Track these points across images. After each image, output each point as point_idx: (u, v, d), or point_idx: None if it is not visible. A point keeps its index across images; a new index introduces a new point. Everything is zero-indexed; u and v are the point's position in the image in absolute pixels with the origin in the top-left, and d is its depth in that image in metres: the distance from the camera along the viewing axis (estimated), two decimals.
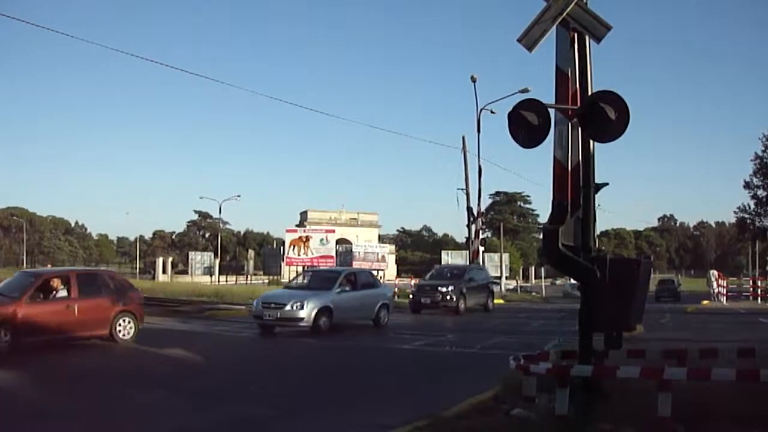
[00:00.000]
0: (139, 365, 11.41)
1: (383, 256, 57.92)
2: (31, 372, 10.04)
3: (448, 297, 23.47)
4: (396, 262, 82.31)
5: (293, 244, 46.21)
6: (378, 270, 53.62)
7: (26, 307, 11.52)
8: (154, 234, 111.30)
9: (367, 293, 17.51)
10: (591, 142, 7.16)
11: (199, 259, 73.99)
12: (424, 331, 17.25)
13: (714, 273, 41.14)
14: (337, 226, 67.86)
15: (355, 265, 54.19)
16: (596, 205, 7.49)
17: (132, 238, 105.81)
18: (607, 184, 7.53)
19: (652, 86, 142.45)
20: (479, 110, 35.97)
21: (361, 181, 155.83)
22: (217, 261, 69.82)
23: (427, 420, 6.58)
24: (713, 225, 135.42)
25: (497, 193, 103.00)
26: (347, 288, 16.93)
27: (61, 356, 11.52)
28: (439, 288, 23.86)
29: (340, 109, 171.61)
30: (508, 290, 50.66)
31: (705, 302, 35.29)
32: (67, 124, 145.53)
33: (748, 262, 73.75)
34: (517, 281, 61.51)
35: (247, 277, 62.40)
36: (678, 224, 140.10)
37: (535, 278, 70.28)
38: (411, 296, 25.54)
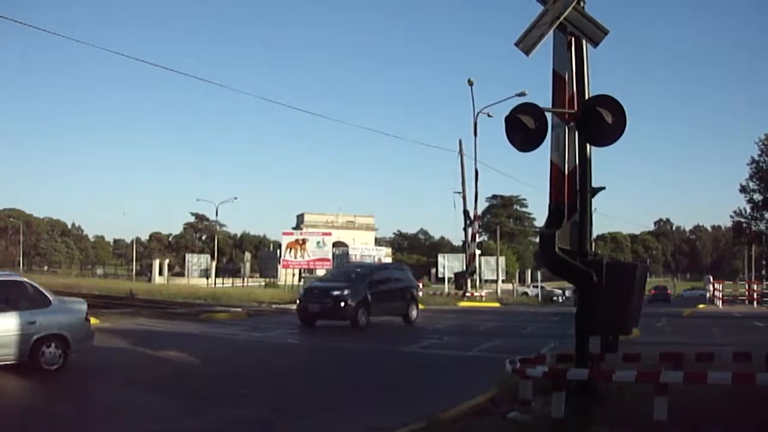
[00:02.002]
0: (136, 367, 11.37)
1: (380, 259, 57.90)
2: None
3: (342, 304, 17.60)
4: None
5: (290, 246, 46.11)
6: None
7: None
8: (150, 236, 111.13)
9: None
10: (588, 146, 7.19)
11: (196, 261, 73.84)
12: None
13: (709, 278, 41.43)
14: (334, 228, 67.72)
15: None
16: (593, 208, 7.53)
17: (129, 240, 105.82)
18: (603, 188, 7.56)
19: (649, 90, 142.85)
20: (476, 114, 36.18)
21: (358, 184, 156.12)
22: (214, 263, 69.68)
23: (424, 423, 6.58)
24: (709, 229, 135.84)
25: (494, 197, 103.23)
26: None
27: None
28: (332, 291, 18.03)
29: (336, 112, 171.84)
30: (505, 292, 50.81)
31: (701, 306, 35.40)
32: (64, 126, 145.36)
33: (745, 266, 73.98)
34: (513, 283, 61.56)
35: (243, 280, 62.30)
36: (674, 228, 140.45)
37: (531, 281, 70.29)
38: (297, 302, 19.89)
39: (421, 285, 38.55)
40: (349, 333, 17.32)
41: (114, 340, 14.00)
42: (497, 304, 36.61)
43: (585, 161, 7.18)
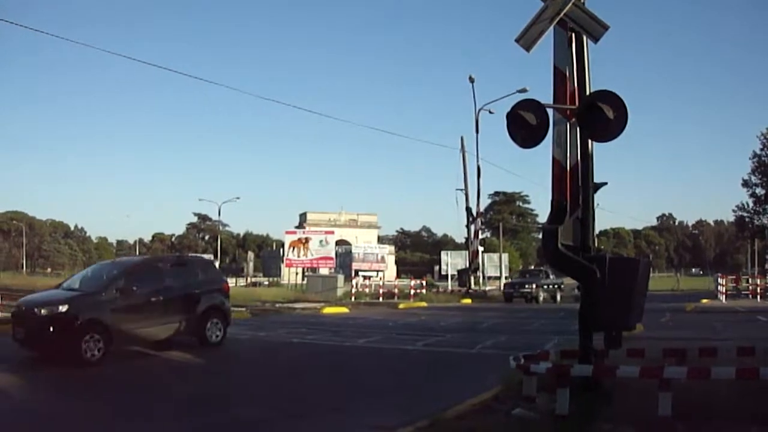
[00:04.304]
0: (135, 367, 11.38)
1: (383, 257, 57.89)
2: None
3: (52, 328, 11.05)
4: (395, 263, 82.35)
5: (293, 245, 46.16)
6: (377, 271, 53.77)
7: None
8: (153, 237, 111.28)
9: None
10: (589, 141, 7.19)
11: None
12: None
13: (718, 276, 41.58)
14: (337, 227, 67.78)
15: (355, 266, 53.95)
16: (595, 204, 7.52)
17: (131, 241, 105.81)
18: (605, 183, 7.57)
19: (651, 85, 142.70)
20: (478, 110, 36.18)
21: (360, 182, 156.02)
22: (217, 263, 69.69)
23: (428, 420, 6.58)
24: (712, 224, 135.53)
25: (496, 193, 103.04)
26: None
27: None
28: (39, 309, 11.42)
29: (338, 111, 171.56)
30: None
31: (704, 300, 35.35)
32: (67, 128, 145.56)
33: (747, 261, 73.93)
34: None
35: (246, 279, 62.37)
36: (677, 223, 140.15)
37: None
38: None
39: (424, 282, 38.50)
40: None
41: None
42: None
43: (587, 157, 7.18)
